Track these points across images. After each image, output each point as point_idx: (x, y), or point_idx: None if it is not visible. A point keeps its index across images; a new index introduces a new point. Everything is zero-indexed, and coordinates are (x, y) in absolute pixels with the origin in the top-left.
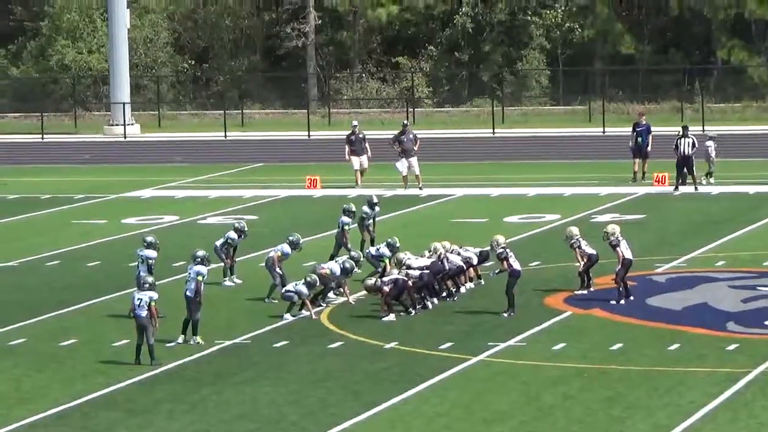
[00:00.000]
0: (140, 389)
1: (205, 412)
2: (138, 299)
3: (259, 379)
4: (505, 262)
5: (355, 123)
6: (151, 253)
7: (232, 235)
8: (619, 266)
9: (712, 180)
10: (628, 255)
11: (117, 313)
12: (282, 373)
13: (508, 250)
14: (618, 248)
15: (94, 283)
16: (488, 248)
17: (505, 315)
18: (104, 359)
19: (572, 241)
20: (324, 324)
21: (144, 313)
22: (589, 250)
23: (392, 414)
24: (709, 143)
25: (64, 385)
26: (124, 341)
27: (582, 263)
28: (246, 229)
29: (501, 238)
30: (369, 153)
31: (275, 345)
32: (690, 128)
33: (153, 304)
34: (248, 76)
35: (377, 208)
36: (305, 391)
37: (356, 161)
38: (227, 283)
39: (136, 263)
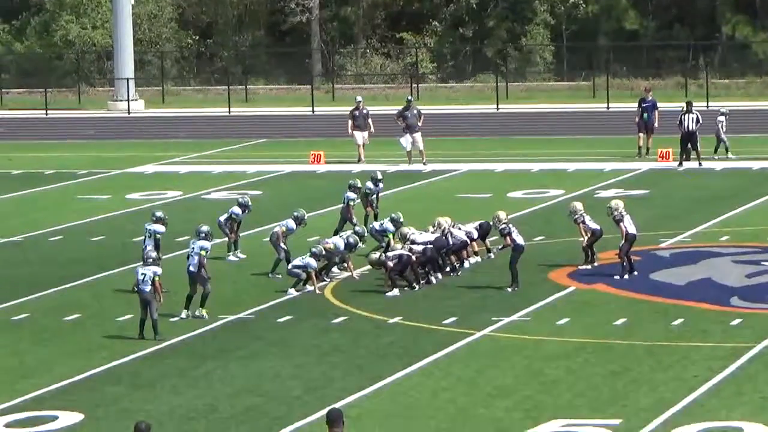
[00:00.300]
0: (144, 364)
1: (210, 386)
2: (142, 274)
3: (264, 354)
4: (507, 238)
5: (359, 98)
6: (160, 227)
7: (236, 210)
8: (623, 241)
9: (731, 155)
10: (632, 230)
11: (121, 288)
12: (286, 348)
13: (510, 226)
14: (621, 223)
15: (97, 258)
16: (488, 221)
17: (509, 290)
18: (108, 334)
19: (576, 216)
20: (328, 299)
21: (147, 288)
22: (593, 225)
23: (396, 388)
24: (721, 118)
25: (68, 359)
26: (128, 316)
27: (586, 238)
28: (250, 204)
29: (502, 214)
30: (372, 128)
31: (279, 320)
32: (694, 104)
33: (157, 279)
34: (252, 51)
35: (381, 185)
36: (309, 365)
37: (359, 136)
38: (231, 258)
39: (143, 237)
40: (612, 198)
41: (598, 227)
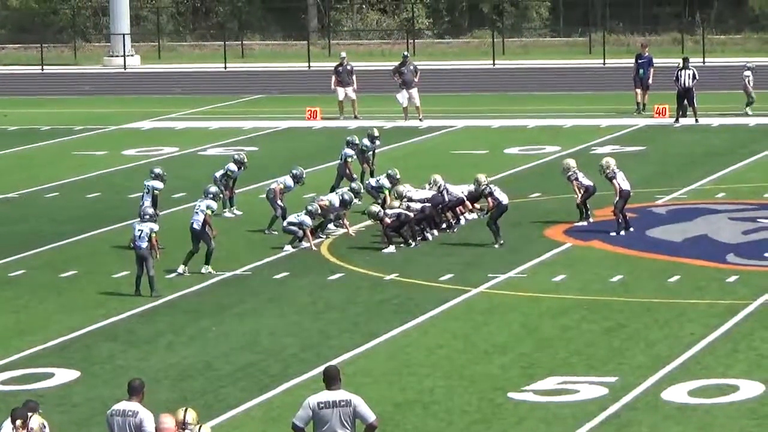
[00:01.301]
0: (140, 321)
1: (206, 343)
2: (138, 230)
3: (260, 311)
4: (490, 198)
5: (343, 54)
6: (158, 184)
7: (232, 167)
8: (617, 198)
9: (749, 110)
10: (626, 186)
11: (117, 245)
12: (282, 305)
13: (491, 186)
14: (615, 180)
15: (94, 215)
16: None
17: (497, 246)
18: (105, 291)
19: (569, 173)
20: (324, 255)
21: (144, 244)
22: (586, 182)
23: (392, 345)
24: (747, 73)
25: (64, 316)
26: (125, 273)
27: (579, 195)
28: (246, 160)
29: (482, 177)
30: (355, 85)
31: (276, 276)
32: (691, 60)
33: (154, 235)
34: (248, 6)
35: (378, 141)
36: (306, 322)
37: (341, 92)
38: (227, 214)
39: (141, 194)
40: (606, 155)
41: (591, 183)
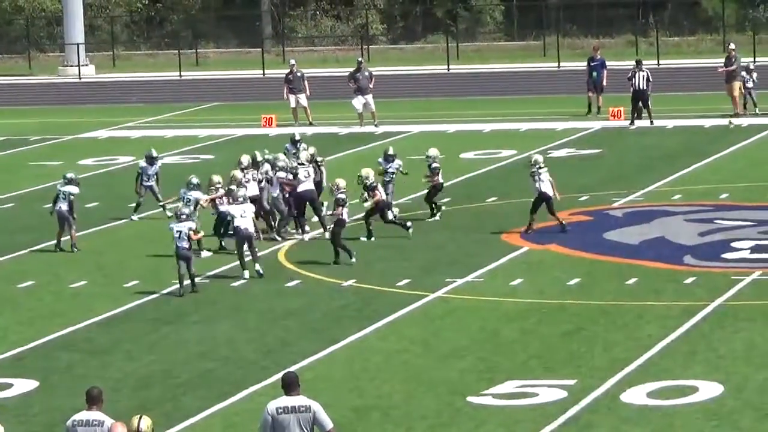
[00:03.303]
0: (99, 329)
1: (165, 351)
2: (177, 231)
3: (218, 318)
4: (373, 192)
5: (292, 62)
6: (73, 189)
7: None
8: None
9: (757, 110)
10: (545, 189)
11: (75, 255)
12: (240, 312)
13: (377, 183)
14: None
15: (51, 225)
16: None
17: (353, 261)
18: (62, 300)
19: (533, 169)
20: (281, 262)
21: (185, 243)
22: (543, 188)
23: (351, 351)
24: (745, 75)
25: (22, 327)
26: (82, 282)
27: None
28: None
29: (342, 182)
30: (308, 92)
31: (233, 284)
32: (645, 62)
33: (192, 233)
34: (202, 15)
35: (300, 145)
36: (264, 329)
37: (293, 99)
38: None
39: (57, 201)
40: (562, 158)
41: (545, 191)
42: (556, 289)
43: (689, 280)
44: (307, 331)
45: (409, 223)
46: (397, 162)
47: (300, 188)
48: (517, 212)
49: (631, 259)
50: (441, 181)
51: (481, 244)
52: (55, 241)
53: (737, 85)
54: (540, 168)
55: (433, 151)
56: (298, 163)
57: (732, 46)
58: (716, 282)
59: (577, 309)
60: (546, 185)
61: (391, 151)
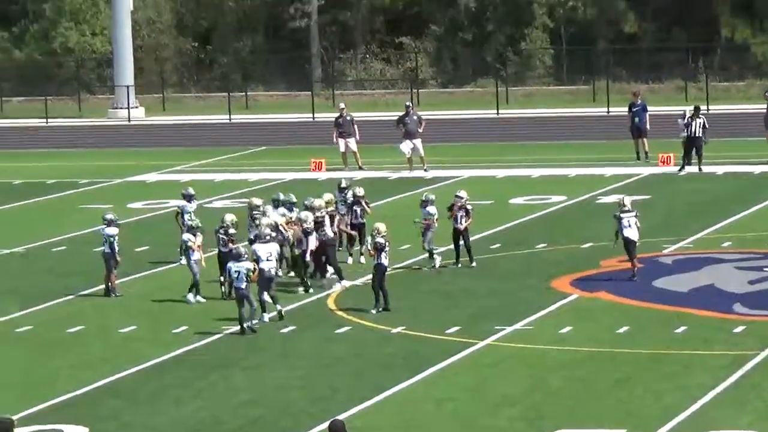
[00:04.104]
0: (148, 375)
1: (213, 397)
2: (235, 271)
3: (267, 365)
4: (379, 253)
5: (342, 105)
6: (113, 230)
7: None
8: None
9: None
10: (627, 234)
11: (124, 299)
12: (290, 359)
13: (387, 242)
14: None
15: (100, 269)
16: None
17: (373, 311)
18: (112, 345)
19: (616, 212)
20: (331, 309)
21: (243, 284)
22: (626, 233)
23: (400, 399)
24: None
25: (71, 372)
26: (131, 327)
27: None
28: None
29: (382, 227)
30: (357, 135)
31: (282, 330)
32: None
33: (251, 274)
34: (252, 57)
35: (347, 192)
36: (313, 376)
37: (342, 143)
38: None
39: (104, 245)
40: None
41: (627, 235)
42: (605, 337)
43: (739, 329)
44: (356, 378)
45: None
46: (432, 209)
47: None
48: (566, 258)
49: (680, 307)
50: (384, 262)
51: (531, 290)
52: (104, 285)
53: None
54: (624, 211)
55: (382, 227)
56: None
57: None
58: (766, 331)
59: (626, 357)
60: (629, 230)
61: (426, 197)
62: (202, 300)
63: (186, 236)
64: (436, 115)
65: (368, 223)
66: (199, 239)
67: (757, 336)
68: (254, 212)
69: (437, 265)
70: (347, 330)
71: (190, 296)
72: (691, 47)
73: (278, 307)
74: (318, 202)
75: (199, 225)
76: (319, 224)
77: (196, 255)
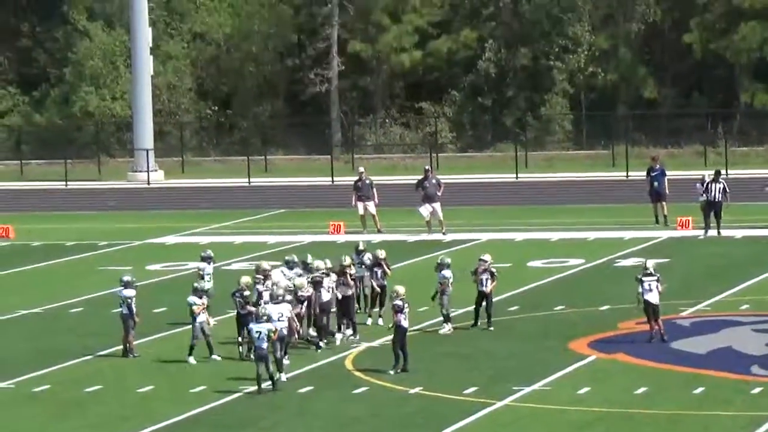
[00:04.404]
0: None
1: None
2: (257, 332)
3: (284, 424)
4: (398, 315)
5: (361, 169)
6: (130, 292)
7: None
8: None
9: None
10: (648, 297)
11: (142, 359)
12: (307, 419)
13: (406, 303)
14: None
15: (118, 330)
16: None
17: (392, 372)
18: (129, 405)
19: (639, 275)
20: (348, 369)
21: (264, 344)
22: (647, 297)
23: None
24: None
25: (89, 431)
26: (149, 387)
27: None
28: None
29: (401, 289)
30: (376, 199)
31: (300, 390)
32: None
33: (272, 335)
34: (271, 122)
35: (364, 256)
36: None
37: (361, 207)
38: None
39: (122, 307)
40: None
41: (647, 299)
42: (622, 398)
43: (756, 390)
44: None
45: (321, 344)
46: (448, 272)
47: (325, 298)
48: (584, 321)
49: (698, 369)
50: (404, 325)
51: (549, 352)
52: (122, 346)
53: None
54: (647, 274)
55: (401, 289)
56: (323, 273)
57: None
58: None
59: (643, 418)
60: (651, 294)
61: (441, 260)
62: (218, 358)
63: (191, 299)
64: (455, 179)
65: (389, 285)
66: (204, 301)
67: None
68: (257, 275)
69: (445, 331)
70: (365, 390)
71: (191, 359)
72: (711, 113)
73: (280, 375)
74: (318, 263)
75: (205, 288)
76: (317, 284)
77: (201, 317)
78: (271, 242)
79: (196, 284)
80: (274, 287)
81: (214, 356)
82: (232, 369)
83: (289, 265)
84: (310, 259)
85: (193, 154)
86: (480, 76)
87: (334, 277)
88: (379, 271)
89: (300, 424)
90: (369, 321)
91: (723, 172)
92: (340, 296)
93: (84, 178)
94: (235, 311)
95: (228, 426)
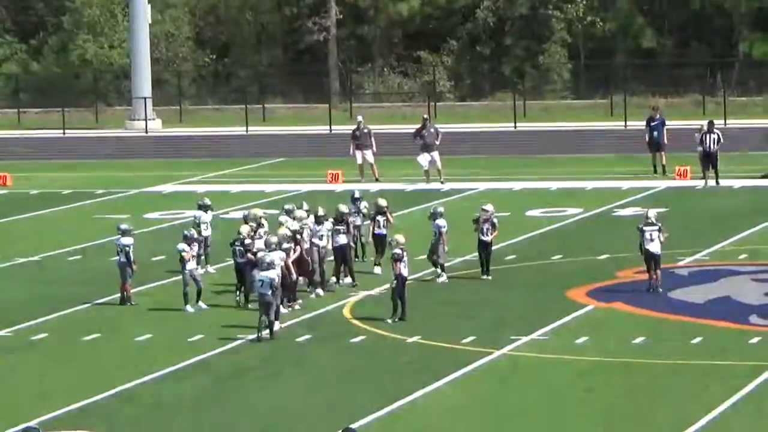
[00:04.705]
0: (164, 384)
1: (229, 406)
2: (260, 280)
3: (283, 374)
4: (398, 264)
5: (359, 118)
6: (128, 240)
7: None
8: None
9: None
10: (648, 246)
11: (139, 308)
12: (305, 368)
13: (405, 253)
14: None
15: (116, 278)
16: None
17: (390, 321)
18: (127, 354)
19: (640, 224)
20: (346, 318)
21: (268, 291)
22: (648, 246)
23: (415, 408)
24: None
25: (86, 380)
26: (147, 335)
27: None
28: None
29: (401, 238)
30: (374, 148)
31: (297, 339)
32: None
33: (275, 283)
34: (269, 70)
35: (360, 203)
36: (328, 385)
37: (359, 155)
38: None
39: (118, 255)
40: (632, 215)
41: (647, 247)
42: (621, 348)
43: (755, 340)
44: (371, 387)
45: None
46: (442, 221)
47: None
48: (582, 270)
49: (696, 318)
50: (404, 274)
51: (547, 301)
52: (119, 295)
53: None
54: (648, 224)
55: (401, 239)
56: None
57: None
58: None
59: (642, 368)
60: (652, 243)
61: (435, 209)
62: (204, 306)
63: (181, 246)
64: (453, 128)
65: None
66: (194, 249)
67: None
68: (250, 223)
69: (442, 280)
70: (363, 339)
71: (188, 307)
72: (710, 62)
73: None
74: (300, 213)
75: (195, 236)
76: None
77: (191, 264)
78: (268, 191)
79: (186, 231)
80: (267, 236)
81: (200, 303)
82: (231, 318)
83: (291, 214)
84: (305, 206)
85: (191, 103)
86: (478, 25)
87: (329, 224)
88: (382, 220)
89: (298, 372)
90: (377, 270)
91: (721, 122)
92: (336, 244)
93: (82, 127)
94: (233, 260)
95: (226, 375)
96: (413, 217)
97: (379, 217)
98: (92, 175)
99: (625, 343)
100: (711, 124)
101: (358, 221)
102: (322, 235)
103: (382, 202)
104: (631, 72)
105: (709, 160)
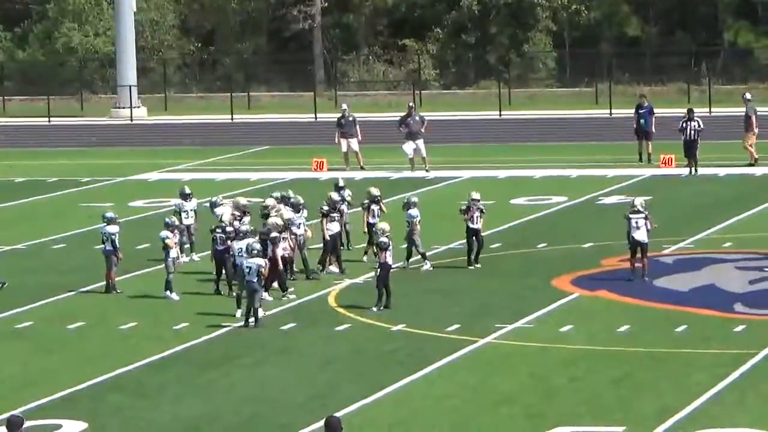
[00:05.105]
0: (148, 372)
1: (213, 394)
2: (247, 267)
3: (267, 362)
4: (384, 252)
5: (344, 106)
6: (114, 228)
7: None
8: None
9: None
10: (634, 234)
11: (124, 296)
12: (290, 356)
13: (390, 241)
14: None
15: (101, 266)
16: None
17: (375, 309)
18: (111, 342)
19: (627, 212)
20: (331, 306)
21: (254, 278)
22: (635, 234)
23: (400, 396)
24: None
25: (71, 368)
26: (131, 324)
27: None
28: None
29: (386, 226)
30: (359, 136)
31: (283, 327)
32: (696, 110)
33: (262, 270)
34: (254, 58)
35: (344, 192)
36: (313, 373)
37: (344, 143)
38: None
39: (104, 243)
40: (615, 204)
41: (633, 235)
42: (605, 336)
43: (739, 328)
44: (356, 375)
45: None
46: (414, 211)
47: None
48: (566, 258)
49: (680, 306)
50: (388, 262)
51: (531, 290)
52: (104, 283)
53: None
54: (634, 212)
55: (386, 226)
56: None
57: (747, 95)
58: (766, 330)
59: (626, 356)
60: (638, 232)
61: (408, 199)
62: (176, 297)
63: (163, 233)
64: (438, 116)
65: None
66: (176, 237)
67: (757, 335)
68: (235, 212)
69: (427, 268)
70: (347, 327)
71: (173, 295)
72: (694, 51)
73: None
74: (268, 201)
75: (177, 223)
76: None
77: (173, 252)
78: (253, 179)
79: (167, 219)
80: (237, 223)
81: (172, 292)
82: (215, 305)
83: (285, 201)
84: (291, 194)
85: (176, 91)
86: (463, 13)
87: (305, 212)
88: (376, 209)
89: (283, 361)
90: (365, 258)
91: (705, 110)
92: (330, 233)
93: (67, 114)
94: (212, 247)
95: (210, 363)
96: (397, 206)
97: (373, 206)
98: (77, 163)
99: (609, 332)
100: (691, 112)
101: (344, 209)
102: (299, 224)
103: (375, 191)
104: (616, 60)
105: (690, 149)
